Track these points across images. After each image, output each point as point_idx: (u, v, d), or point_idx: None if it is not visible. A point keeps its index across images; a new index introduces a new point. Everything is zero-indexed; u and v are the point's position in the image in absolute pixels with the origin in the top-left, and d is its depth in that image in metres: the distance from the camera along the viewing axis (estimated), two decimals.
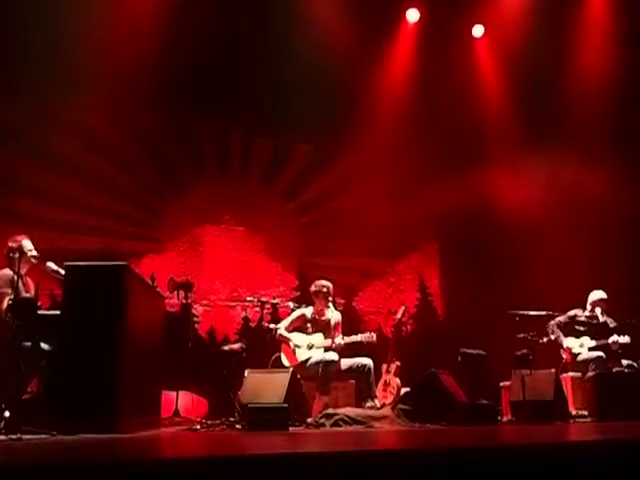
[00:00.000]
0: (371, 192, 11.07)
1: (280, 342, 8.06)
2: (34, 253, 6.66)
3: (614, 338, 8.48)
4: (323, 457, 3.23)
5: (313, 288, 8.27)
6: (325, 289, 8.16)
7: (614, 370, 8.04)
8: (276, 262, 10.85)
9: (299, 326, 8.14)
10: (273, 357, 8.01)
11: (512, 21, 10.69)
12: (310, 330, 8.06)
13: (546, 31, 10.45)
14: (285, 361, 7.95)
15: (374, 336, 7.99)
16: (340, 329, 8.14)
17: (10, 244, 6.65)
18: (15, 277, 6.23)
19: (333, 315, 8.16)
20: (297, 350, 7.92)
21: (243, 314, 10.00)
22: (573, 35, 10.83)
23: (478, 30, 11.28)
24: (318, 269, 10.49)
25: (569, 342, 8.68)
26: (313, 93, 9.77)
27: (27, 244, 6.69)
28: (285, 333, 8.04)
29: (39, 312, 6.02)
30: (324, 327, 8.07)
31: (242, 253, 10.72)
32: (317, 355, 7.80)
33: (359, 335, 7.99)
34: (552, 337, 8.72)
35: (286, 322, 8.21)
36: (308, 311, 8.22)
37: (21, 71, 9.08)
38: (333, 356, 7.69)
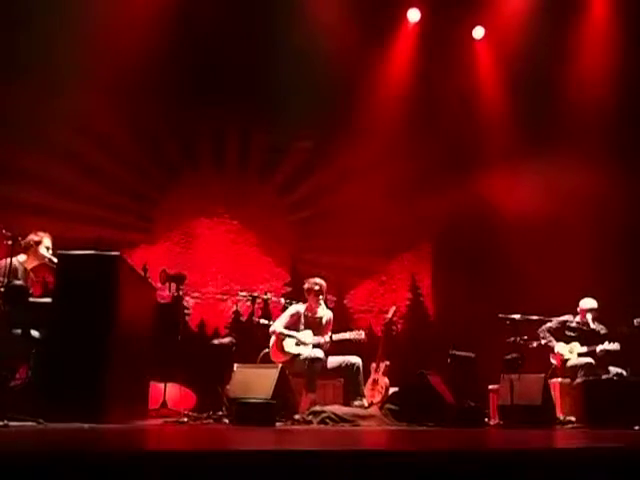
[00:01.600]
0: (366, 191, 11.06)
1: (272, 337, 8.02)
2: (47, 254, 6.65)
3: (603, 347, 8.49)
4: (308, 455, 3.22)
5: (306, 285, 8.24)
6: (317, 287, 8.11)
7: (603, 377, 8.04)
8: (269, 257, 10.85)
9: (293, 323, 8.10)
10: (262, 353, 7.99)
11: (512, 24, 10.70)
12: (302, 327, 8.03)
13: (546, 34, 10.46)
14: (272, 359, 7.91)
15: (363, 334, 7.97)
16: (330, 328, 8.12)
17: (31, 236, 6.65)
18: (19, 267, 6.30)
19: (325, 313, 8.13)
20: (285, 347, 7.89)
21: (234, 308, 9.97)
22: (573, 38, 10.84)
23: (478, 32, 11.29)
24: (311, 265, 10.51)
25: (560, 347, 8.69)
26: (312, 90, 9.78)
27: (47, 242, 6.70)
28: (284, 330, 7.97)
29: (30, 299, 6.02)
30: (316, 325, 8.04)
31: (235, 247, 10.72)
32: (304, 352, 7.78)
33: (348, 333, 7.97)
34: (543, 342, 8.72)
35: (282, 320, 8.14)
36: (302, 308, 8.19)
37: (20, 59, 9.06)
38: (318, 353, 7.66)
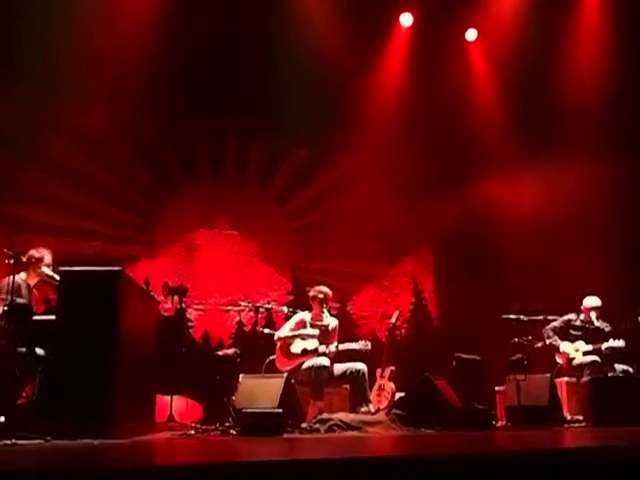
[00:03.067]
0: (366, 196, 11.08)
1: (277, 345, 8.01)
2: (49, 272, 6.68)
3: (608, 344, 8.48)
4: (317, 464, 3.22)
5: (311, 293, 8.24)
6: (321, 295, 8.10)
7: (609, 375, 8.02)
8: (270, 266, 10.84)
9: (298, 330, 8.08)
10: (267, 360, 7.99)
11: (505, 25, 10.69)
12: (307, 335, 8.02)
13: (540, 35, 10.44)
14: (278, 366, 7.90)
15: (369, 345, 7.95)
16: (336, 336, 8.11)
17: (31, 253, 6.67)
18: (22, 284, 6.33)
19: (330, 321, 8.11)
20: (292, 349, 7.87)
21: (237, 318, 9.97)
22: (567, 38, 10.81)
23: (471, 34, 11.29)
24: (312, 273, 10.51)
25: (565, 346, 8.68)
26: (308, 97, 9.75)
27: (47, 259, 6.73)
28: (289, 333, 7.97)
29: (34, 317, 6.03)
30: (322, 332, 8.03)
31: (236, 257, 10.71)
32: (309, 360, 7.77)
33: (355, 343, 7.95)
34: (548, 342, 8.71)
35: (287, 327, 8.14)
36: (307, 316, 8.19)
37: (18, 75, 9.07)
38: (324, 361, 7.65)
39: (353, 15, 10.24)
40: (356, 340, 8.07)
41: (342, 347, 7.88)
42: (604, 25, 10.65)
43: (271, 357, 7.99)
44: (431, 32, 10.88)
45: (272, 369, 7.82)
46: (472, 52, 11.42)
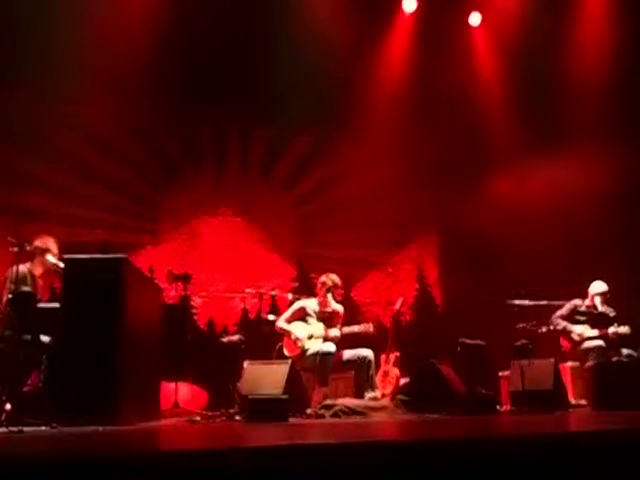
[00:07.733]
0: (370, 183, 11.06)
1: (281, 334, 8.03)
2: (53, 260, 6.68)
3: (613, 329, 8.49)
4: (323, 448, 3.23)
5: (320, 279, 8.25)
6: (330, 282, 8.10)
7: (614, 359, 8.02)
8: (274, 253, 10.85)
9: (299, 318, 8.10)
10: (277, 346, 8.01)
11: (509, 9, 10.64)
12: (311, 321, 8.03)
13: (544, 18, 10.39)
14: (286, 352, 7.93)
15: (371, 327, 7.97)
16: (341, 322, 8.12)
17: (37, 244, 6.66)
18: (27, 275, 6.34)
19: (335, 307, 8.11)
20: (297, 341, 7.89)
21: (242, 305, 9.99)
22: (572, 22, 10.75)
23: (475, 18, 11.21)
24: (316, 260, 10.52)
25: (578, 328, 8.66)
26: (311, 85, 9.75)
27: (53, 249, 6.73)
28: (285, 325, 8.01)
29: (39, 305, 6.05)
30: (329, 318, 8.04)
31: (240, 244, 10.72)
32: (315, 346, 7.79)
33: (357, 326, 7.98)
34: (559, 328, 8.68)
35: (286, 315, 8.18)
36: (310, 302, 8.18)
37: (20, 65, 9.07)
38: (330, 347, 7.67)
39: (355, 1, 10.21)
40: (359, 323, 8.10)
41: (345, 330, 7.90)
42: (610, 9, 10.58)
43: (280, 344, 8.01)
44: (434, 18, 10.82)
45: (282, 355, 7.84)
46: (476, 37, 11.36)
